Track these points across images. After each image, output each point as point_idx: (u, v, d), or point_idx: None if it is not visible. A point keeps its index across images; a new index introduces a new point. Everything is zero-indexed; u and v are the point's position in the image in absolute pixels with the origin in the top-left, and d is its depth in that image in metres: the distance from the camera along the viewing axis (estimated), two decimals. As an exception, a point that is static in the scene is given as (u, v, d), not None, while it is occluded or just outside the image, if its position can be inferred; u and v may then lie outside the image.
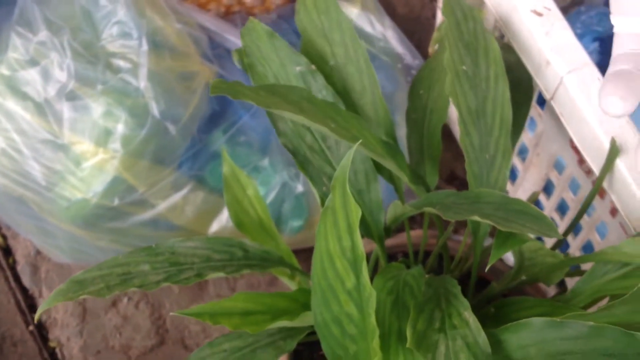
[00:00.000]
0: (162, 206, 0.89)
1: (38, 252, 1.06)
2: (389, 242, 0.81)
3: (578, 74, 0.59)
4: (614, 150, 0.56)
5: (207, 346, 0.62)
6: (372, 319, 0.48)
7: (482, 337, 0.46)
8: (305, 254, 0.97)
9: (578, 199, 0.77)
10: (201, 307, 0.53)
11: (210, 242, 0.60)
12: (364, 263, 0.47)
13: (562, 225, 0.86)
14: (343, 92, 0.61)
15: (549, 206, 0.87)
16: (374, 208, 0.61)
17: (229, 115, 0.94)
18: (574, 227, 0.62)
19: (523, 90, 0.68)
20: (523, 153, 0.92)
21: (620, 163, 0.56)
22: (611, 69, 0.45)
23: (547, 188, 0.88)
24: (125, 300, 1.03)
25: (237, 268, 0.58)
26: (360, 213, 0.44)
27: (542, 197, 0.89)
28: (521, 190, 0.94)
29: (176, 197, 0.89)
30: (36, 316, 0.55)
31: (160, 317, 1.02)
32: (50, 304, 0.52)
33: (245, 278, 1.05)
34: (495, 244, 0.49)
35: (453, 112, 0.98)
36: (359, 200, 0.61)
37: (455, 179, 1.15)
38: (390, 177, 0.62)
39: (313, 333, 0.56)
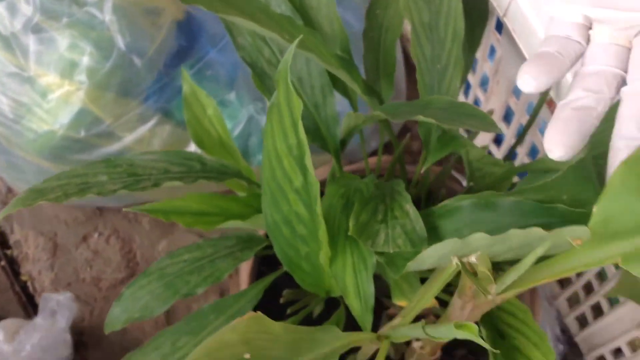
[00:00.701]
0: (129, 138, 0.90)
1: (9, 190, 1.07)
2: (352, 167, 0.84)
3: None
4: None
5: (167, 257, 0.65)
6: (319, 216, 0.50)
7: (419, 224, 0.48)
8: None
9: (537, 124, 0.79)
10: (155, 204, 0.54)
11: (168, 155, 0.62)
12: (310, 161, 0.49)
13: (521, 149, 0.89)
14: (300, 8, 0.63)
15: (509, 134, 0.90)
16: (330, 121, 0.63)
17: (196, 50, 0.95)
18: (522, 139, 0.64)
19: (479, 10, 0.70)
20: (485, 84, 0.94)
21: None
22: (539, 49, 0.47)
23: (508, 116, 0.91)
24: (95, 235, 1.05)
25: (194, 179, 0.60)
26: (301, 107, 0.46)
27: (503, 126, 0.92)
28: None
29: (143, 129, 0.90)
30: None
31: (130, 250, 1.04)
32: (10, 211, 0.53)
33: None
34: (437, 146, 0.52)
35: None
36: (316, 114, 0.63)
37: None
38: (345, 91, 0.64)
39: (271, 247, 0.58)
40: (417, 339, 0.66)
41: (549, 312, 0.96)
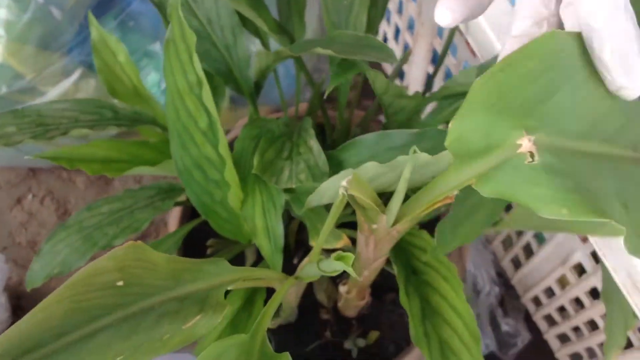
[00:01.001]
0: (53, 93, 0.88)
1: None
2: (277, 114, 0.83)
3: None
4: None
5: (86, 210, 0.63)
6: (224, 156, 0.49)
7: (322, 159, 0.48)
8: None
9: (458, 62, 0.79)
10: (58, 151, 0.53)
11: (79, 104, 0.61)
12: (210, 97, 0.48)
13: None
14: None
15: (439, 77, 0.89)
16: (241, 63, 0.62)
17: (118, 1, 0.93)
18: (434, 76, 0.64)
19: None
20: (412, 28, 0.93)
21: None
22: None
23: (434, 60, 0.90)
24: (29, 197, 1.03)
25: (104, 127, 0.58)
26: (195, 39, 0.45)
27: (431, 69, 0.92)
28: (414, 67, 0.96)
29: (66, 83, 0.88)
30: None
31: (65, 212, 1.02)
32: None
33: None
34: (337, 71, 0.51)
35: None
36: (227, 56, 0.61)
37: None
38: (257, 31, 0.63)
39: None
40: (343, 284, 0.66)
41: (484, 255, 0.96)
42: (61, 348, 0.32)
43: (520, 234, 0.88)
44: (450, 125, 0.32)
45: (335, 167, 0.49)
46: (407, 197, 0.44)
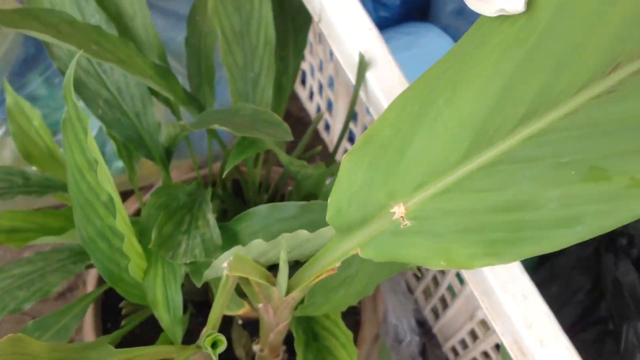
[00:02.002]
0: (-23, 148, 0.88)
1: None
2: (188, 175, 0.84)
3: (335, -4, 0.63)
4: (363, 64, 0.61)
5: (-4, 272, 0.64)
6: (123, 231, 0.50)
7: (216, 233, 0.49)
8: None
9: (372, 120, 0.81)
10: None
11: (-11, 171, 0.61)
12: (107, 175, 0.49)
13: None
14: (116, 17, 0.63)
15: (358, 132, 0.92)
16: (152, 130, 0.63)
17: (44, 57, 0.94)
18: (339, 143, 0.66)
19: (302, 14, 0.71)
20: (332, 85, 0.96)
21: (370, 75, 0.61)
22: None
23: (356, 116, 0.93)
24: None
25: (14, 195, 0.59)
26: (88, 121, 0.46)
27: (352, 125, 0.94)
28: (337, 121, 0.98)
29: (-10, 139, 0.89)
30: None
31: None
32: None
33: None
34: (236, 150, 0.53)
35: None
36: (138, 124, 0.63)
37: (290, 117, 1.19)
38: (167, 100, 0.65)
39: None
40: (256, 343, 0.67)
41: (406, 305, 0.99)
42: None
43: (436, 285, 0.91)
44: (328, 201, 0.35)
45: (231, 238, 0.51)
46: (300, 266, 0.46)
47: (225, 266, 0.39)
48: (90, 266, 0.67)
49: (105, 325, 0.76)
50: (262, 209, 0.50)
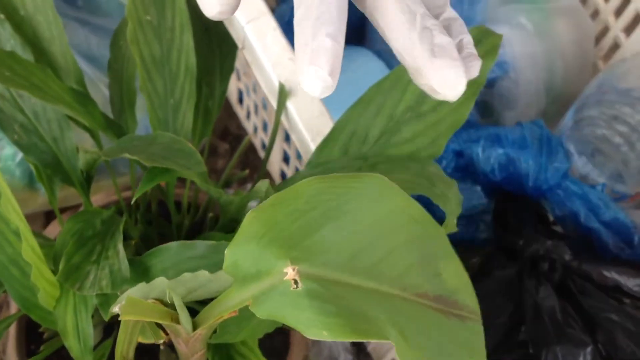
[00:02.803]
0: None
1: None
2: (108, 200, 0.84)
3: (255, 24, 0.63)
4: (284, 93, 0.61)
5: None
6: (29, 262, 0.50)
7: (124, 265, 0.49)
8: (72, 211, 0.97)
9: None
10: None
11: None
12: (16, 208, 0.49)
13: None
14: (34, 41, 0.62)
15: (291, 152, 0.92)
16: (70, 155, 0.62)
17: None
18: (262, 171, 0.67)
19: (228, 42, 0.71)
20: (266, 106, 0.96)
21: (290, 105, 0.61)
22: None
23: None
24: None
25: None
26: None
27: (286, 146, 0.95)
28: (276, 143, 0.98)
29: None
30: None
31: None
32: None
33: None
34: (145, 178, 0.53)
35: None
36: (55, 148, 0.62)
37: (228, 135, 1.19)
38: (85, 126, 0.64)
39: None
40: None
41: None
42: None
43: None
44: (226, 251, 0.35)
45: (143, 273, 0.50)
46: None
47: (116, 310, 0.38)
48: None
49: (29, 347, 0.75)
50: (173, 245, 0.50)
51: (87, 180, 0.64)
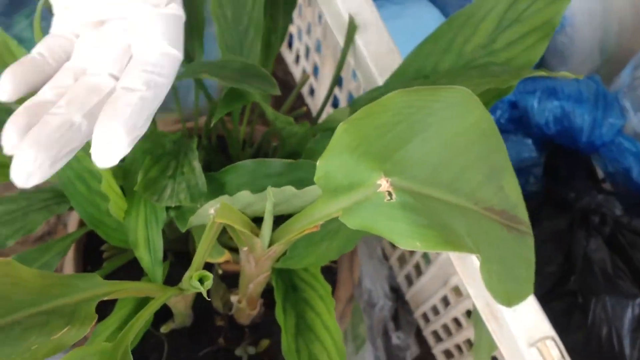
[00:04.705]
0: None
1: None
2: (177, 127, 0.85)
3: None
4: (352, 27, 0.61)
5: (-22, 210, 0.64)
6: (104, 173, 0.51)
7: (201, 180, 0.50)
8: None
9: (358, 85, 0.82)
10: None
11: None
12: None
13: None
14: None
15: (342, 97, 0.93)
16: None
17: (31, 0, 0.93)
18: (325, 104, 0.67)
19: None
20: (319, 49, 0.96)
21: (358, 38, 0.61)
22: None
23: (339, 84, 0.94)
24: None
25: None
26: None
27: (337, 90, 0.95)
28: (322, 86, 0.99)
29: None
30: None
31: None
32: None
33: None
34: (223, 102, 0.53)
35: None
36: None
37: (275, 79, 1.19)
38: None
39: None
40: (235, 294, 0.68)
41: (380, 271, 1.00)
42: None
43: (412, 253, 0.92)
44: (318, 163, 0.36)
45: (217, 189, 0.51)
46: (283, 221, 0.47)
47: (212, 212, 0.39)
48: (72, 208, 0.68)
49: (85, 268, 0.77)
50: (249, 163, 0.51)
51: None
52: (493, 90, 0.55)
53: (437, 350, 0.95)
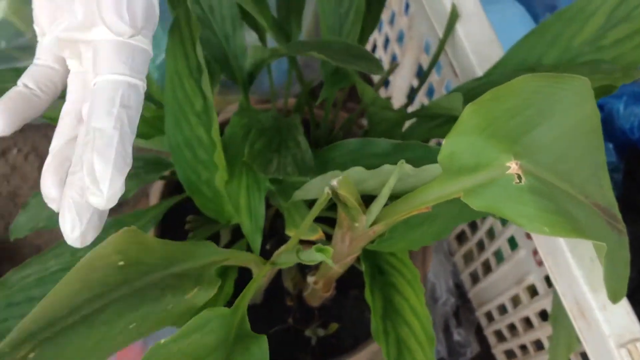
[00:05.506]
0: (48, 56, 0.90)
1: None
2: (265, 105, 0.85)
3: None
4: (454, 15, 0.61)
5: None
6: (215, 139, 0.52)
7: (308, 155, 0.51)
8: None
9: (441, 80, 0.82)
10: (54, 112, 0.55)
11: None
12: (208, 84, 0.51)
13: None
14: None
15: (421, 92, 0.92)
16: (238, 53, 0.64)
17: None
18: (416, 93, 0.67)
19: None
20: (401, 39, 0.96)
21: (459, 27, 0.61)
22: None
23: (419, 74, 0.94)
24: (14, 151, 1.04)
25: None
26: (200, 28, 0.47)
27: (415, 82, 0.95)
28: (399, 78, 0.99)
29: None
30: None
31: (46, 170, 1.04)
32: None
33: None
34: (331, 81, 0.54)
35: None
36: (225, 45, 0.64)
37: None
38: (255, 25, 0.66)
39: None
40: (312, 274, 0.69)
41: (445, 266, 1.00)
42: (78, 320, 0.36)
43: (481, 250, 0.92)
44: (444, 142, 0.36)
45: (320, 165, 0.52)
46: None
47: (334, 184, 0.40)
48: (162, 178, 0.69)
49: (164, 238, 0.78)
50: (355, 141, 0.51)
51: (249, 80, 0.66)
52: (597, 88, 0.54)
53: (499, 349, 0.94)
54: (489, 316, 0.95)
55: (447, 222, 0.54)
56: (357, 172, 0.43)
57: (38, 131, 1.06)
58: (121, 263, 0.38)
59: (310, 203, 0.54)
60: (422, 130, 0.59)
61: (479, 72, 0.60)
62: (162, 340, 0.36)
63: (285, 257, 0.49)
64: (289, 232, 0.57)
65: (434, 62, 0.65)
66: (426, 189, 0.41)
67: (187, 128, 0.55)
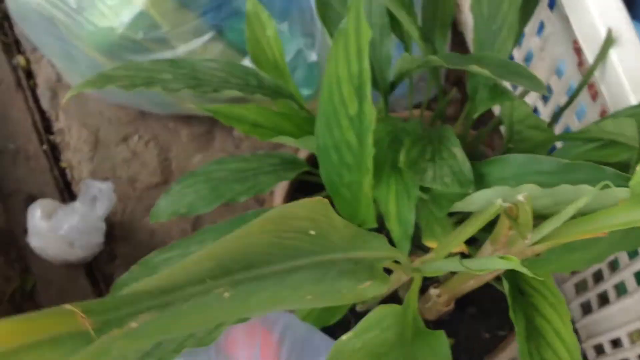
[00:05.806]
0: (182, 49, 0.92)
1: (59, 79, 1.10)
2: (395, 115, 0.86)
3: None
4: (609, 40, 0.60)
5: (215, 163, 0.67)
6: (369, 145, 0.52)
7: (466, 167, 0.51)
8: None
9: (573, 106, 0.80)
10: (218, 107, 0.57)
11: (228, 66, 0.64)
12: (369, 90, 0.51)
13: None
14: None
15: (545, 112, 0.91)
16: (383, 62, 0.65)
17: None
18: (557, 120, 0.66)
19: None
20: (529, 60, 0.95)
21: (613, 53, 0.60)
22: None
23: (544, 97, 0.92)
24: (136, 137, 1.08)
25: (252, 92, 0.62)
26: (370, 35, 0.48)
27: (540, 105, 0.94)
28: (526, 99, 0.97)
29: (196, 43, 0.93)
30: (64, 99, 0.59)
31: (166, 159, 1.07)
32: (80, 89, 0.56)
33: (250, 140, 1.09)
34: (487, 97, 0.54)
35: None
36: (371, 53, 0.64)
37: (461, 83, 1.18)
38: (402, 35, 0.66)
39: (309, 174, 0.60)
40: (436, 287, 0.69)
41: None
42: (268, 274, 0.37)
43: (598, 280, 0.90)
44: (638, 168, 0.35)
45: (477, 179, 0.51)
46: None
47: (521, 199, 0.40)
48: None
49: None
50: (518, 157, 0.50)
51: (390, 89, 0.66)
52: None
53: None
54: (599, 349, 0.93)
55: (607, 248, 0.52)
56: (529, 188, 0.42)
57: (159, 121, 1.09)
58: (312, 232, 0.40)
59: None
60: (576, 153, 0.58)
61: (633, 100, 0.59)
62: (344, 336, 0.36)
63: (440, 264, 0.49)
64: (429, 243, 0.57)
65: (582, 86, 0.64)
66: (610, 213, 0.40)
67: (337, 131, 0.55)
